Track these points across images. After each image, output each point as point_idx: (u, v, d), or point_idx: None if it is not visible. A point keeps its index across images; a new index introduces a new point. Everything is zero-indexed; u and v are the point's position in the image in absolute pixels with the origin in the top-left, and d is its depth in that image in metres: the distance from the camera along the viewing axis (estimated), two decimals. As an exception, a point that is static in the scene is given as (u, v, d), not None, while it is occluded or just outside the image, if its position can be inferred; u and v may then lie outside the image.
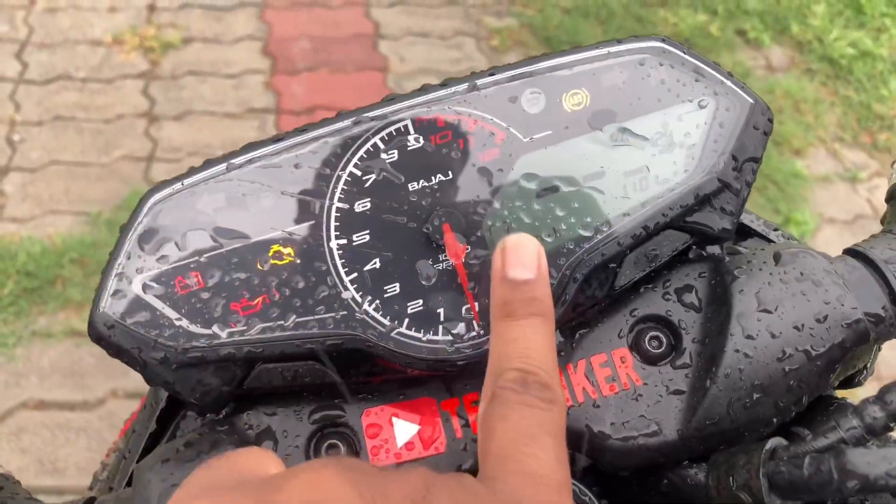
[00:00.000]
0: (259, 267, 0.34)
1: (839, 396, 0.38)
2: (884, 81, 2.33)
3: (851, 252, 0.37)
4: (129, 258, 0.33)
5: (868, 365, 0.38)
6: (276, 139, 0.35)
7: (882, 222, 0.40)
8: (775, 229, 0.42)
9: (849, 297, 0.35)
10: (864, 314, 0.35)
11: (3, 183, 1.83)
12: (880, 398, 0.30)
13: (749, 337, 0.34)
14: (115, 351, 0.33)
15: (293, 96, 2.10)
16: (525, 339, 0.30)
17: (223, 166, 0.34)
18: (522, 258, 0.32)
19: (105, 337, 0.33)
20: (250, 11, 2.30)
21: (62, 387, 1.54)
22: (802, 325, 0.34)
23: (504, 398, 0.28)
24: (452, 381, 0.36)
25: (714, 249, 0.38)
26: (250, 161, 0.34)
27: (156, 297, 0.33)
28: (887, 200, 0.41)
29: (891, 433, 0.31)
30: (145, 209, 0.34)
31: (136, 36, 2.18)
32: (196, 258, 0.33)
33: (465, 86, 0.36)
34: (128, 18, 2.24)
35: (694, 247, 0.38)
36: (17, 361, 1.56)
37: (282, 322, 0.33)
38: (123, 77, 2.09)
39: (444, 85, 0.36)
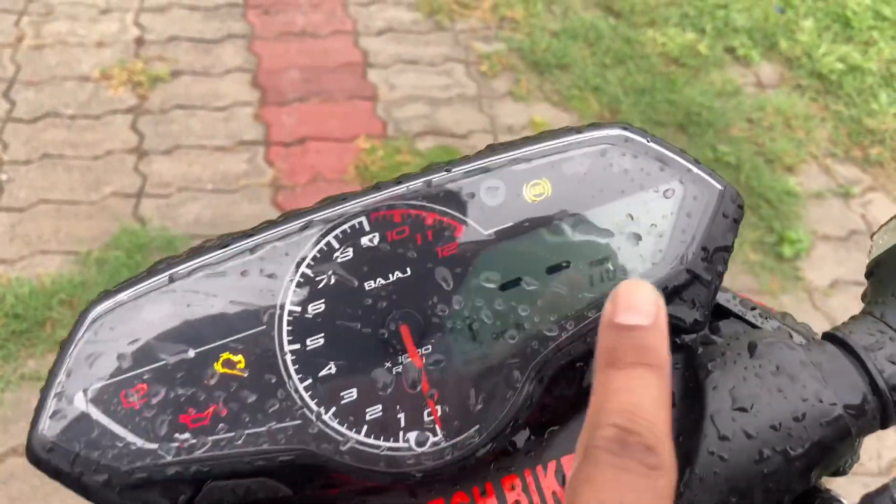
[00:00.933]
0: (206, 380, 0.32)
1: (824, 488, 0.37)
2: (874, 95, 2.33)
3: (830, 337, 0.36)
4: (69, 376, 0.32)
5: (851, 456, 0.37)
6: (222, 245, 0.33)
7: (862, 299, 0.39)
8: (752, 308, 0.41)
9: (827, 392, 0.33)
10: (843, 408, 0.33)
11: (-10, 224, 1.82)
12: None
13: (724, 438, 0.33)
14: (55, 474, 0.31)
15: (283, 127, 2.10)
16: (630, 392, 0.26)
17: (165, 277, 0.33)
18: (635, 303, 0.27)
19: (44, 461, 0.31)
20: (239, 43, 2.30)
21: (52, 432, 1.51)
22: (780, 425, 0.33)
23: (595, 458, 0.24)
24: (415, 485, 0.35)
25: (688, 338, 0.36)
26: (194, 271, 0.33)
27: (98, 414, 0.31)
28: (867, 276, 0.39)
29: None
30: (85, 324, 0.32)
31: (124, 70, 2.18)
32: (140, 372, 0.32)
33: (420, 182, 0.35)
34: (115, 53, 2.24)
35: None
36: (6, 407, 1.54)
37: (231, 436, 0.32)
38: (112, 112, 2.09)
39: (398, 182, 0.35)
